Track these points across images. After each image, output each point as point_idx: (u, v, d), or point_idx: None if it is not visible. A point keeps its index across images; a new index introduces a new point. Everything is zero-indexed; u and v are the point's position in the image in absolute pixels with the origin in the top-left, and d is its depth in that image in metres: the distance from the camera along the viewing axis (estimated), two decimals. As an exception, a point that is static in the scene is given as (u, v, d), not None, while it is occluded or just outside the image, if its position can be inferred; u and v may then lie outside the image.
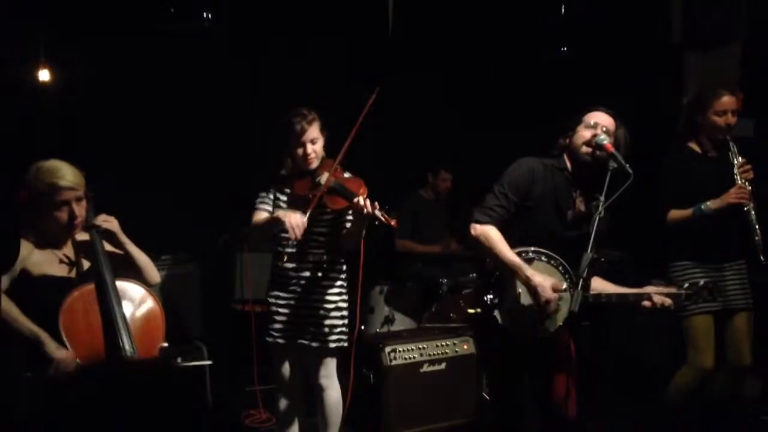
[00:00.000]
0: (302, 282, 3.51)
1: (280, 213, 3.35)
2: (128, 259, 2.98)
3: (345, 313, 3.57)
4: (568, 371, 3.06)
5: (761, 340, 4.16)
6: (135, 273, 2.98)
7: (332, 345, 3.50)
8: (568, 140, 3.21)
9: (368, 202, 3.20)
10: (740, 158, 3.67)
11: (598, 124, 3.16)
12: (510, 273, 2.98)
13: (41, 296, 2.74)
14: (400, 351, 4.28)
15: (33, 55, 4.81)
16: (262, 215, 3.50)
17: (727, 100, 3.67)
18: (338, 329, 3.51)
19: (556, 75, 6.13)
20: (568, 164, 3.20)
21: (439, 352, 4.36)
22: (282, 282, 3.54)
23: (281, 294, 3.53)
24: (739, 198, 3.58)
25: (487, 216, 3.06)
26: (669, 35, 5.80)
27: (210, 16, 5.14)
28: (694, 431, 4.04)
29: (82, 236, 2.91)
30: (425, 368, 4.32)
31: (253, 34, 5.46)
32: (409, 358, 4.29)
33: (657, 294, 3.12)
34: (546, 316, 2.97)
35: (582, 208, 3.19)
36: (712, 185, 3.67)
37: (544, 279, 2.92)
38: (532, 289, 2.92)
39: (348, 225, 3.47)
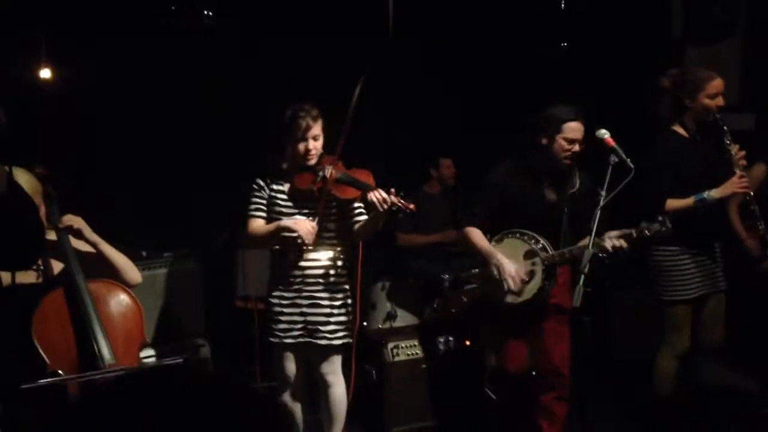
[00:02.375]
0: (308, 280, 3.49)
1: (288, 222, 3.38)
2: (104, 259, 2.88)
3: (351, 309, 3.57)
4: (559, 332, 3.60)
5: (756, 335, 4.20)
6: (113, 274, 2.89)
7: (340, 342, 3.51)
8: (546, 142, 3.48)
9: (381, 193, 3.25)
10: (735, 145, 3.63)
11: (575, 141, 3.44)
12: (486, 259, 3.55)
13: (11, 308, 2.65)
14: (402, 347, 4.29)
15: (34, 54, 4.80)
16: (258, 222, 3.50)
17: (718, 83, 3.65)
18: (345, 325, 3.52)
19: (556, 70, 6.13)
20: (541, 163, 3.51)
21: (441, 348, 4.37)
22: (286, 281, 3.51)
23: (285, 294, 3.50)
24: (743, 187, 3.58)
25: (468, 220, 3.65)
26: (669, 31, 5.80)
27: (211, 13, 5.14)
28: (693, 425, 4.06)
29: (48, 236, 2.79)
30: (427, 364, 4.33)
31: (254, 31, 5.45)
32: (412, 354, 4.30)
33: (611, 239, 3.29)
34: (511, 290, 3.49)
35: (552, 196, 3.54)
36: (703, 171, 3.66)
37: (508, 263, 3.47)
38: (500, 270, 3.46)
39: (358, 217, 3.47)
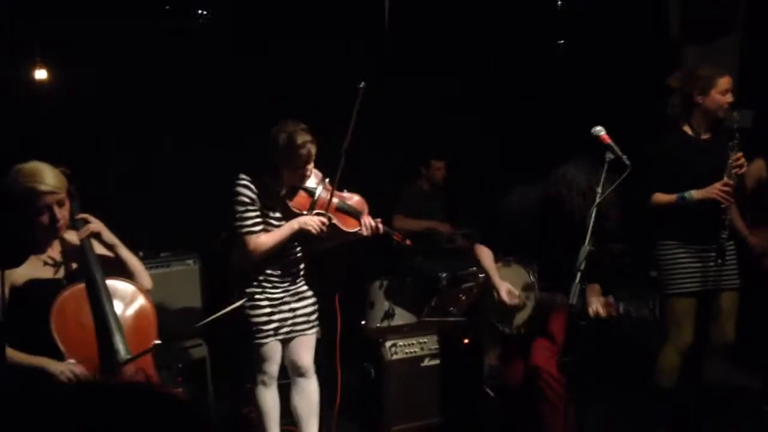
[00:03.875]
0: (297, 280, 3.62)
1: (300, 222, 3.39)
2: (120, 262, 2.95)
3: None
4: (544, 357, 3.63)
5: (759, 332, 4.19)
6: (127, 276, 2.95)
7: (317, 329, 3.70)
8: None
9: (371, 221, 3.50)
10: (738, 152, 3.65)
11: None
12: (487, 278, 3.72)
13: (31, 302, 2.71)
14: (400, 345, 4.29)
15: (29, 54, 4.81)
16: (261, 237, 3.40)
17: (728, 79, 3.73)
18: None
19: (553, 69, 6.13)
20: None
21: (440, 346, 4.37)
22: (271, 285, 3.55)
23: (273, 295, 3.54)
24: (722, 196, 3.60)
25: (481, 239, 3.80)
26: (667, 29, 5.80)
27: (206, 13, 5.14)
28: (694, 420, 4.06)
29: (66, 235, 2.87)
30: (426, 363, 4.33)
31: (250, 31, 5.45)
32: (410, 352, 4.30)
33: (594, 305, 3.38)
34: (508, 313, 3.63)
35: (565, 228, 3.44)
36: (703, 170, 3.68)
37: (503, 285, 3.61)
38: (496, 290, 3.61)
39: (327, 236, 3.51)
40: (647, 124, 4.74)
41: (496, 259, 3.72)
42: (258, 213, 3.41)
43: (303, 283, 3.65)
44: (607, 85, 5.72)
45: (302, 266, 3.63)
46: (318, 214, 3.41)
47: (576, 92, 5.81)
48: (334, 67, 5.47)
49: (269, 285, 3.53)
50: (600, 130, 3.20)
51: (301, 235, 3.46)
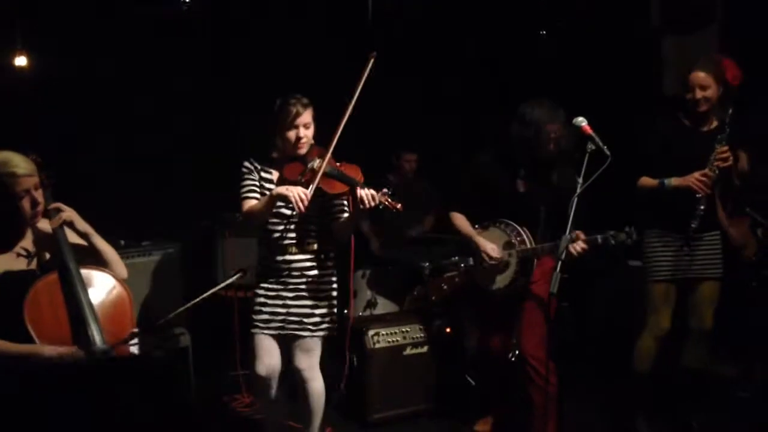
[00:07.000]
0: (294, 273, 3.42)
1: (280, 188, 3.26)
2: (94, 251, 2.90)
3: (335, 302, 3.51)
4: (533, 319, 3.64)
5: (736, 321, 4.25)
6: (102, 265, 2.91)
7: (321, 334, 3.45)
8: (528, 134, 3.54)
9: (368, 189, 3.22)
10: (724, 145, 3.68)
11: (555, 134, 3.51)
12: (468, 242, 3.78)
13: (4, 295, 2.66)
14: (383, 334, 4.30)
15: (9, 41, 4.76)
16: (253, 202, 3.38)
17: (693, 76, 3.69)
18: (328, 318, 3.46)
19: (534, 59, 6.16)
20: (519, 154, 3.59)
21: (422, 335, 4.39)
22: (271, 273, 3.44)
23: (270, 285, 3.43)
24: (698, 185, 3.65)
25: (451, 205, 3.87)
26: (647, 19, 5.84)
27: (188, 1, 5.11)
28: (672, 405, 4.13)
29: (39, 224, 2.83)
30: (408, 351, 4.35)
31: (232, 16, 5.43)
32: (393, 341, 4.32)
33: (575, 244, 3.38)
34: (493, 273, 3.71)
35: (521, 189, 3.67)
36: (690, 158, 3.70)
37: (486, 244, 3.69)
38: (479, 251, 3.69)
39: (343, 214, 3.43)
40: (627, 113, 4.79)
41: (473, 226, 3.79)
42: (255, 182, 3.43)
43: (308, 281, 3.43)
44: (588, 75, 5.75)
45: (308, 264, 3.44)
46: (304, 183, 3.28)
47: (557, 83, 5.83)
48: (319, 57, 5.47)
49: (268, 274, 3.44)
50: (582, 121, 3.22)
51: (283, 205, 3.34)
